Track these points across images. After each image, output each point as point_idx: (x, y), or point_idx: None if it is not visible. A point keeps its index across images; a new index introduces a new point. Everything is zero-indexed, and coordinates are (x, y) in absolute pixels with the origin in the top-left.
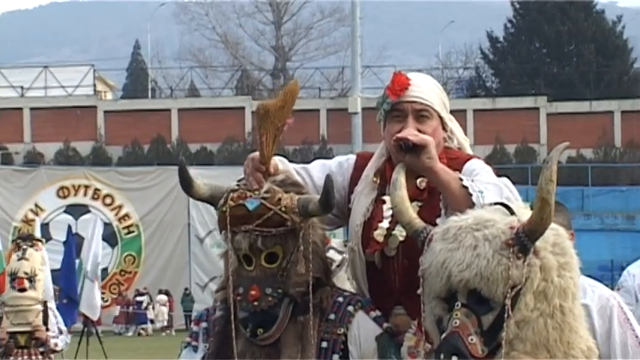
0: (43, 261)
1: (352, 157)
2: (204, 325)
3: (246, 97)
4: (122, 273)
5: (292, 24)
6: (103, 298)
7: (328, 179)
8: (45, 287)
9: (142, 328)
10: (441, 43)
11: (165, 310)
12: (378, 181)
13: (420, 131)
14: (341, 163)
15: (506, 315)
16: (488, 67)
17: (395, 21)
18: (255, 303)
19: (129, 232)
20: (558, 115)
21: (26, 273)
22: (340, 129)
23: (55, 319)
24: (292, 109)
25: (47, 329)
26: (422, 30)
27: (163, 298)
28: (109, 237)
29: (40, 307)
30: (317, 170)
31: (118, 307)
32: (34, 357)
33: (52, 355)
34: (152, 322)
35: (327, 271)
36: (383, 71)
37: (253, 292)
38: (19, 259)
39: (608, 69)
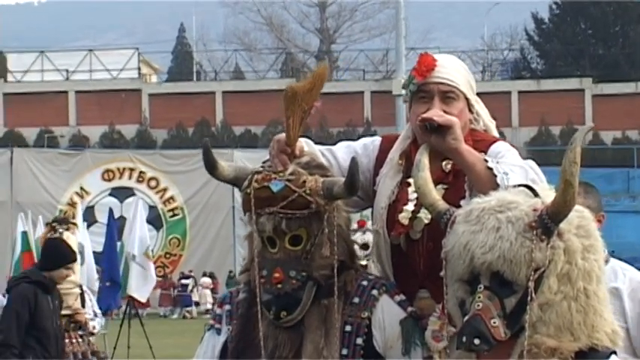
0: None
1: (377, 139)
2: (227, 307)
3: (290, 80)
4: (167, 256)
5: (337, 6)
6: None
7: (353, 162)
8: (88, 270)
9: (187, 311)
10: (486, 25)
11: (208, 292)
12: (404, 164)
13: (445, 112)
14: (366, 145)
15: (529, 298)
16: (533, 48)
17: (440, 3)
18: (279, 286)
19: (174, 215)
20: (604, 97)
21: None
22: (384, 111)
23: (90, 302)
24: (320, 93)
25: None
26: (467, 11)
27: (207, 280)
28: (154, 220)
29: (78, 290)
30: (342, 152)
31: (159, 289)
32: (74, 340)
33: (90, 338)
34: (197, 304)
35: (351, 254)
36: None
37: (277, 275)
38: None
39: None
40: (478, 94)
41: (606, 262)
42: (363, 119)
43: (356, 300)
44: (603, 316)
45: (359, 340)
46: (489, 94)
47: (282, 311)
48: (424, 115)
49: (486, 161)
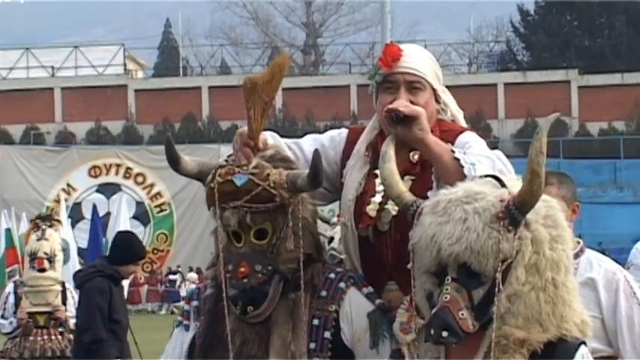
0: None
1: (344, 131)
2: (195, 303)
3: None
4: (155, 251)
5: (323, 0)
6: (138, 277)
7: (316, 154)
8: (72, 267)
9: (175, 306)
10: (472, 17)
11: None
12: (370, 155)
13: (412, 103)
14: (333, 137)
15: (497, 289)
16: (519, 40)
17: None
18: (245, 280)
19: (161, 211)
20: (590, 88)
21: (46, 253)
22: (371, 105)
23: (73, 300)
24: (280, 83)
25: (66, 309)
26: (453, 4)
27: (194, 275)
28: (141, 215)
29: (59, 287)
30: (309, 144)
31: (147, 285)
32: (53, 337)
33: (70, 335)
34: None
35: (318, 247)
36: None
37: (242, 269)
38: (38, 240)
39: (639, 40)
40: (465, 86)
41: (581, 252)
42: (350, 113)
43: (323, 293)
44: (572, 306)
45: (327, 334)
46: (475, 86)
47: (248, 306)
48: (390, 106)
49: (453, 152)
